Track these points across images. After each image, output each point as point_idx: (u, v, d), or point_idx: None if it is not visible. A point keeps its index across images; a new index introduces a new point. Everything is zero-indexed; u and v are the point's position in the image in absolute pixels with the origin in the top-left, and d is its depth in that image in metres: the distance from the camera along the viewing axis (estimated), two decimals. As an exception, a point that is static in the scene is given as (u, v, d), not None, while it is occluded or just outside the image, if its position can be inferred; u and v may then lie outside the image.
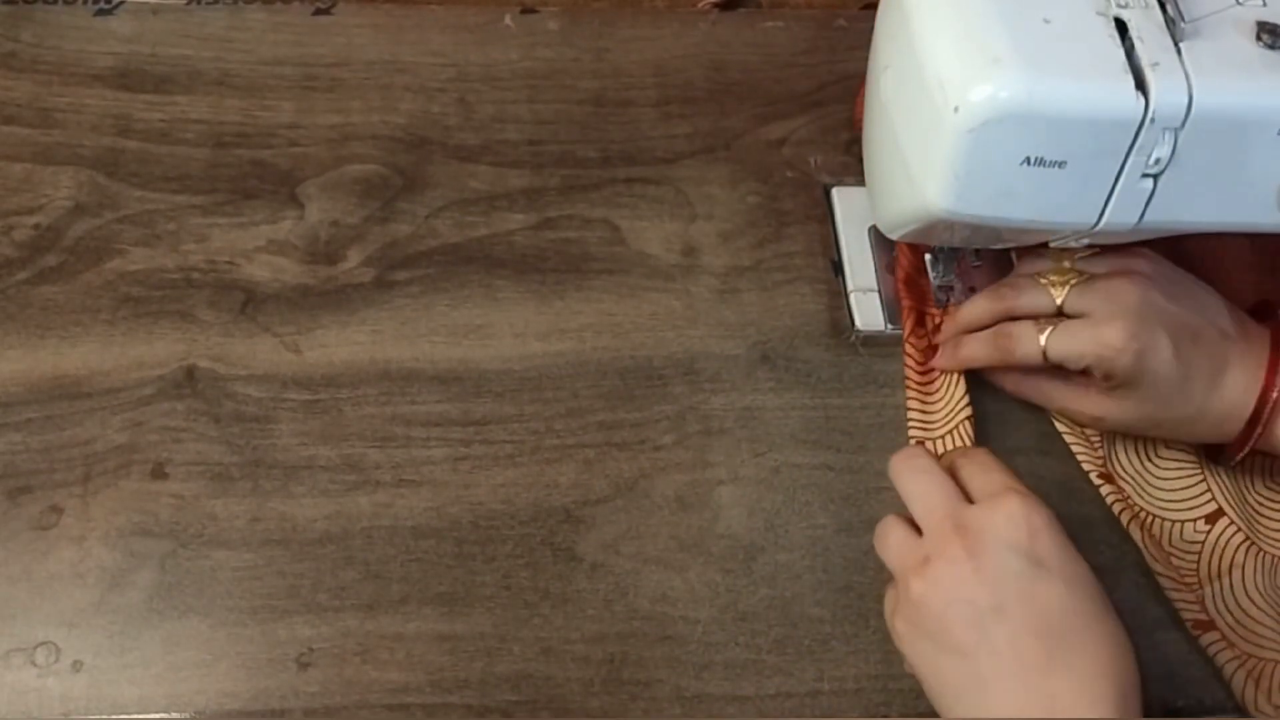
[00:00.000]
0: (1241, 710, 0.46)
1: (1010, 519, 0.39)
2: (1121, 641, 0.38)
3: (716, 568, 0.48)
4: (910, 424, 0.51)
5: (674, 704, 0.45)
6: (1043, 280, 0.48)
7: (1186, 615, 0.47)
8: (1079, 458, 0.51)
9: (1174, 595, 0.48)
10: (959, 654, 0.38)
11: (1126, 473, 0.51)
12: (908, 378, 0.52)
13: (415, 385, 0.51)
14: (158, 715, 0.43)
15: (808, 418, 0.52)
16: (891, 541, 0.42)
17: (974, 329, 0.51)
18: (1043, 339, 0.47)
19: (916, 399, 0.52)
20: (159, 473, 0.48)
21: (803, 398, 0.52)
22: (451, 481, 0.49)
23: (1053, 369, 0.48)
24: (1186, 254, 0.51)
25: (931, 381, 0.53)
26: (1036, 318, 0.48)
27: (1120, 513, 0.49)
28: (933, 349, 0.53)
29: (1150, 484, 0.50)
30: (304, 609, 0.46)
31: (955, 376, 0.52)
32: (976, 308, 0.51)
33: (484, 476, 0.49)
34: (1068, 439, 0.51)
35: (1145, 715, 0.44)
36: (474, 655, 0.45)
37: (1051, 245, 0.48)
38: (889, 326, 0.54)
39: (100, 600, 0.45)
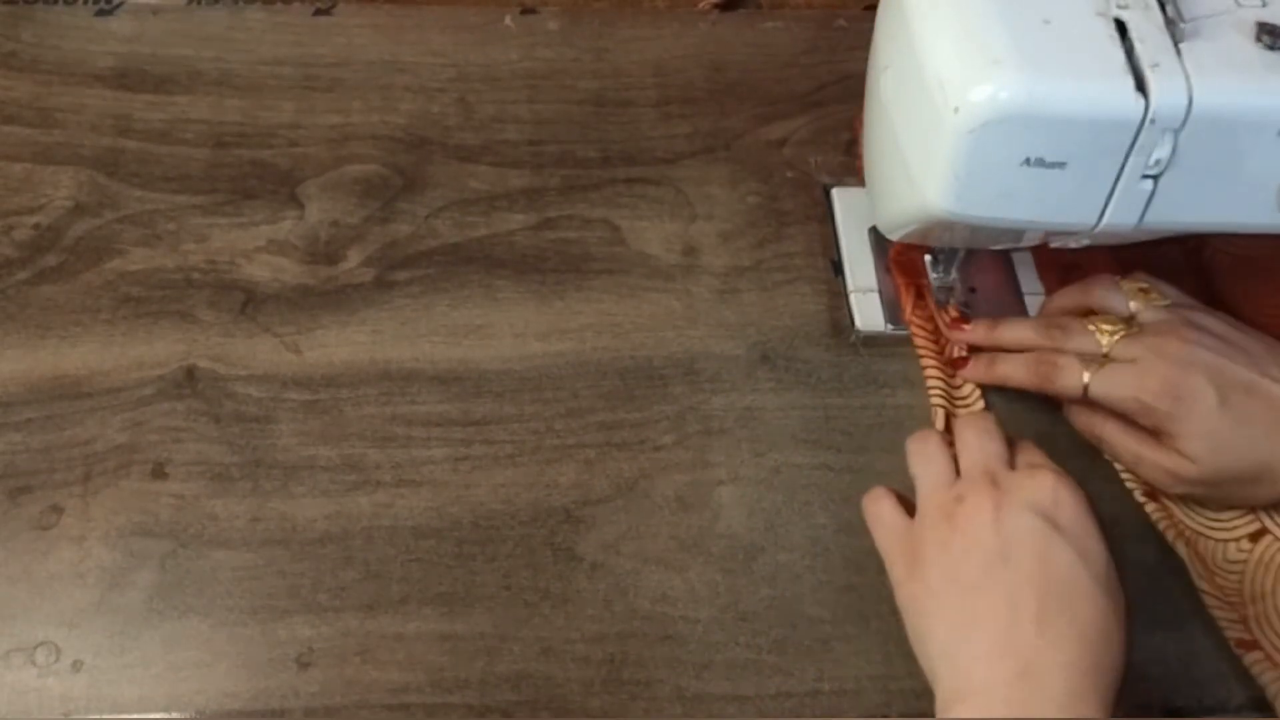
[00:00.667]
0: None
1: (1040, 486, 0.42)
2: (1114, 624, 0.40)
3: (717, 568, 0.48)
4: (933, 392, 0.52)
5: (674, 704, 0.45)
6: (1091, 327, 0.49)
7: (1230, 634, 0.47)
8: (1122, 476, 0.51)
9: (1218, 614, 0.47)
10: (960, 585, 0.41)
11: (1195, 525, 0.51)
12: (921, 351, 0.53)
13: (415, 385, 0.51)
14: (158, 715, 0.43)
15: (808, 418, 0.52)
16: (932, 469, 0.45)
17: (1009, 350, 0.51)
18: (1086, 376, 0.47)
19: (936, 370, 0.52)
20: (159, 473, 0.48)
21: (803, 398, 0.52)
22: (452, 481, 0.49)
23: (1124, 420, 0.48)
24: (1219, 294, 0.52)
25: (948, 356, 0.53)
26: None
27: (1165, 529, 0.49)
28: (940, 341, 0.53)
29: (1194, 502, 0.50)
30: (304, 609, 0.46)
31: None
32: (1020, 333, 0.51)
33: (484, 476, 0.49)
34: (1123, 476, 0.51)
35: (1145, 715, 0.44)
36: (474, 655, 0.45)
37: (1052, 245, 0.48)
38: (889, 326, 0.54)
39: (100, 600, 0.45)
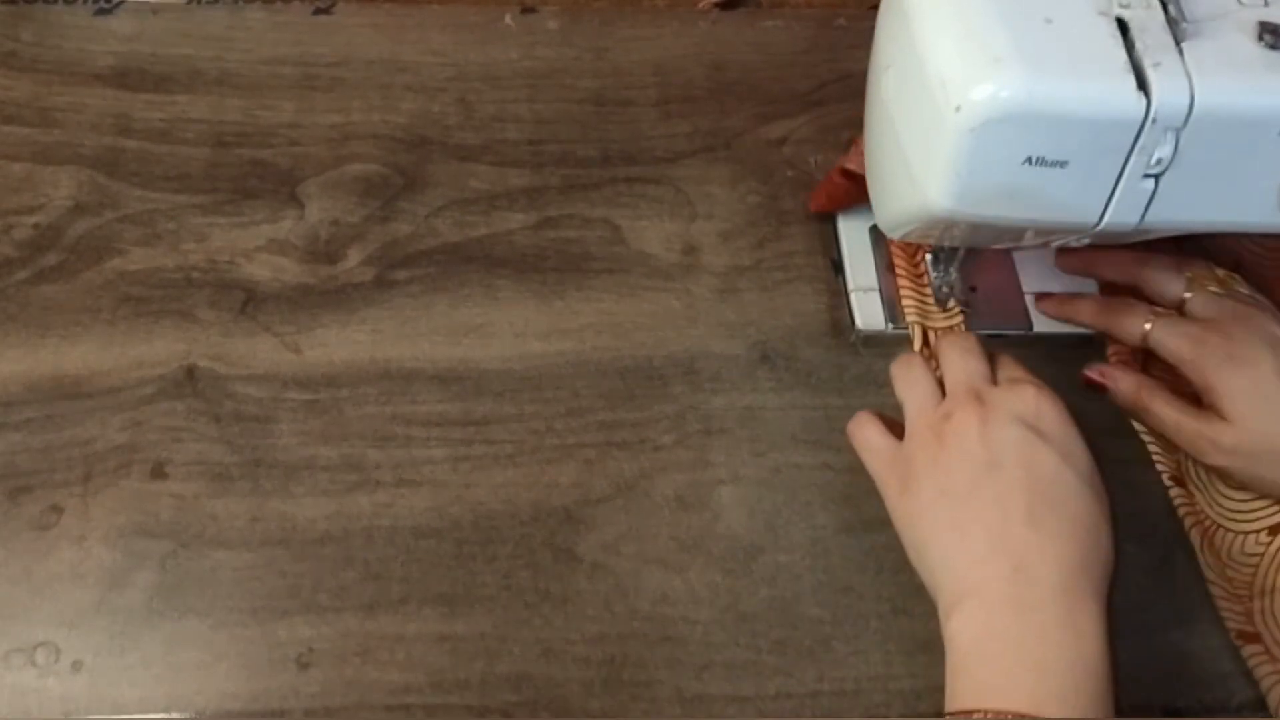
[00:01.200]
0: None
1: (1022, 398, 0.44)
2: (1101, 520, 0.42)
3: (717, 568, 0.48)
4: (907, 308, 0.53)
5: (674, 704, 0.45)
6: (1189, 273, 0.50)
7: (1231, 625, 0.47)
8: (1154, 458, 0.51)
9: (1222, 604, 0.48)
10: (951, 496, 0.43)
11: (1199, 479, 0.51)
12: (899, 271, 0.54)
13: (415, 385, 0.51)
14: (158, 715, 0.43)
15: (808, 418, 0.52)
16: (918, 391, 0.47)
17: (1100, 278, 0.54)
18: (1148, 325, 0.49)
19: (911, 288, 0.53)
20: (159, 472, 0.48)
21: (803, 397, 0.52)
22: (452, 481, 0.49)
23: (1170, 391, 0.49)
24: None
25: (922, 275, 0.54)
26: (1154, 304, 0.50)
27: (1184, 516, 0.49)
28: (915, 259, 0.54)
29: (1222, 491, 0.50)
30: (304, 609, 0.46)
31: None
32: (1111, 262, 0.52)
33: (484, 476, 0.49)
34: (1144, 435, 0.52)
35: (1145, 715, 0.45)
36: (474, 656, 0.45)
37: (1053, 245, 0.48)
38: (889, 326, 0.54)
39: (100, 600, 0.45)
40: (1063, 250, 0.54)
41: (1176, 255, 0.52)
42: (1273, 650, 0.46)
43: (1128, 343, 0.51)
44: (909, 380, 0.48)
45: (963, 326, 0.53)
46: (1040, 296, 0.55)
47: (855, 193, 0.56)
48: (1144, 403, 0.49)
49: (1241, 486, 0.48)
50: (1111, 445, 0.47)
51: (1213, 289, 0.49)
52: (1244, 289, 0.50)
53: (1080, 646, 0.39)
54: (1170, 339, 0.48)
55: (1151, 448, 0.51)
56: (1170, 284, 0.50)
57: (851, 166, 0.55)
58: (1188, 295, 0.49)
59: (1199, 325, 0.48)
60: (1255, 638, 0.47)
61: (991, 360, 0.47)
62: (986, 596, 0.41)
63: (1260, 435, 0.46)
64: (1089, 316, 0.52)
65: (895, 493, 0.45)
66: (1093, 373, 0.51)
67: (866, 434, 0.47)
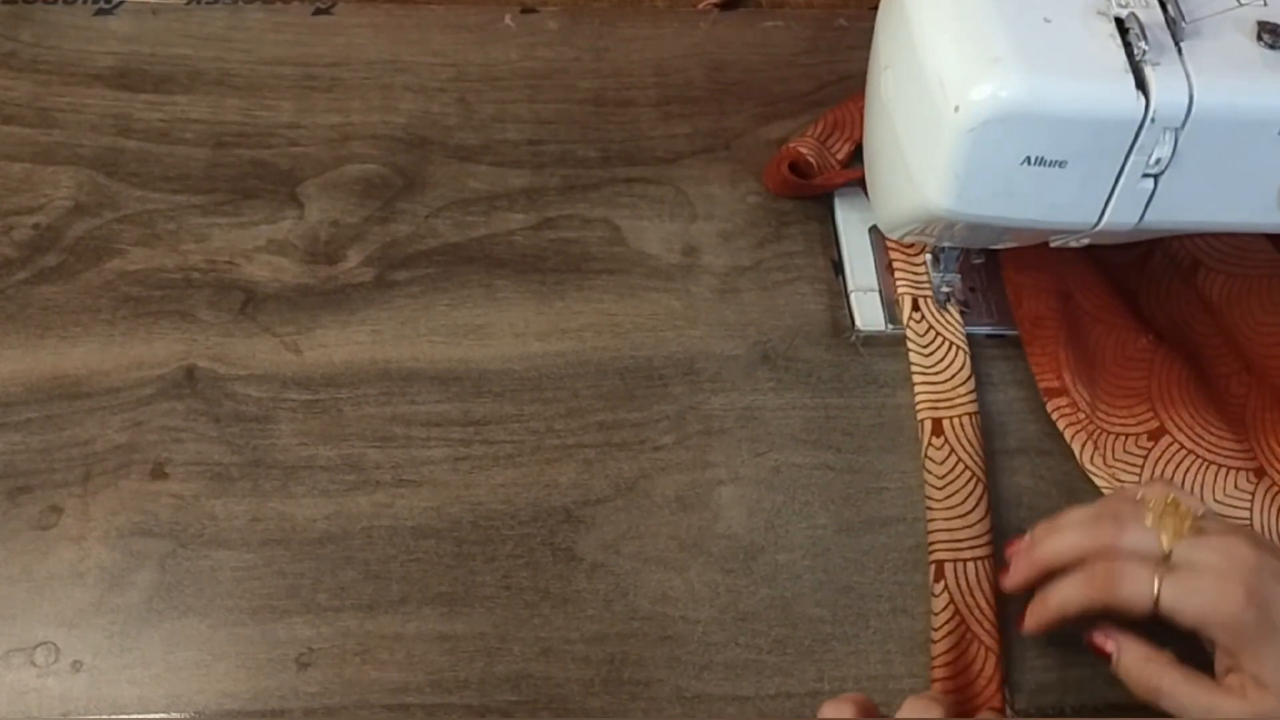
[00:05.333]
0: None
1: None
2: None
3: (717, 568, 0.48)
4: (920, 397, 0.52)
5: (674, 704, 0.45)
6: (1149, 523, 0.42)
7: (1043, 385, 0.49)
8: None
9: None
10: None
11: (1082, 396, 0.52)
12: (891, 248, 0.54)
13: (415, 385, 0.51)
14: (157, 715, 0.43)
15: (808, 418, 0.52)
16: None
17: (1057, 568, 0.44)
18: (1156, 585, 0.41)
19: (904, 265, 0.54)
20: (159, 473, 0.48)
21: (803, 398, 0.52)
22: (451, 481, 0.49)
23: (1185, 669, 0.42)
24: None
25: (935, 353, 0.53)
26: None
27: (1065, 428, 0.51)
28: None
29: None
30: (304, 609, 0.46)
31: (960, 356, 0.52)
32: (1064, 542, 0.44)
33: (484, 476, 0.49)
34: (1098, 482, 0.50)
35: (1145, 715, 0.44)
36: (474, 655, 0.45)
37: (1052, 244, 0.48)
38: (889, 326, 0.54)
39: (100, 600, 0.45)
40: (1011, 551, 0.47)
41: (1126, 502, 0.44)
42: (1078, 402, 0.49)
43: (1133, 611, 0.42)
44: None
45: (961, 332, 0.53)
46: (1020, 614, 0.46)
47: (801, 187, 0.56)
48: (1154, 682, 0.42)
49: None
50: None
51: (1185, 528, 0.42)
52: (1196, 507, 0.43)
53: None
54: (1190, 600, 0.40)
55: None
56: (1146, 539, 0.42)
57: (803, 151, 0.56)
58: (1168, 546, 0.42)
59: (1211, 575, 0.41)
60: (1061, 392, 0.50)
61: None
62: None
63: None
64: (1081, 593, 0.43)
65: None
66: (1099, 637, 0.44)
67: None
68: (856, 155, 0.58)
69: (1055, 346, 0.53)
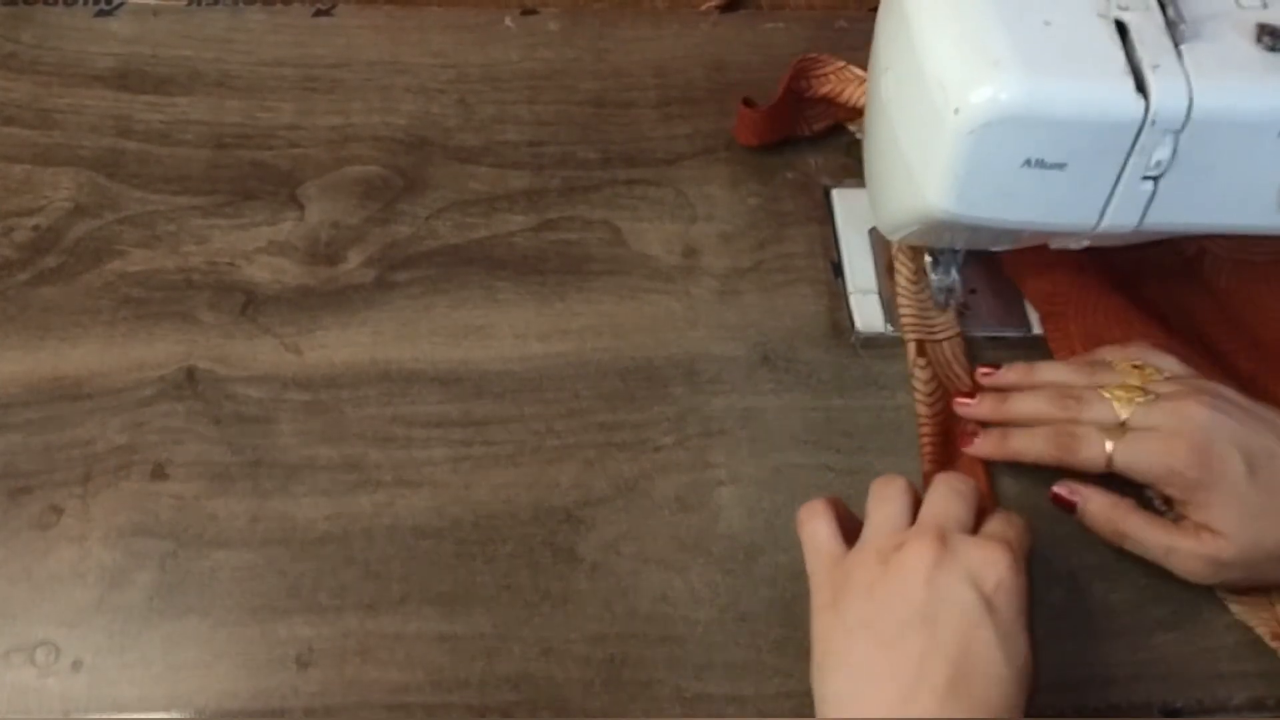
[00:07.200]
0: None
1: (988, 559, 0.40)
2: (1015, 712, 0.38)
3: (717, 568, 0.48)
4: (904, 315, 0.53)
5: (674, 704, 0.45)
6: (1107, 394, 0.47)
7: (1262, 630, 0.47)
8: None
9: (1244, 618, 0.47)
10: (875, 633, 0.39)
11: None
12: (898, 273, 0.54)
13: (416, 386, 0.51)
14: (158, 715, 0.43)
15: (808, 419, 0.52)
16: (886, 509, 0.43)
17: (1021, 424, 0.49)
18: (1109, 445, 0.45)
19: (909, 297, 0.53)
20: (159, 473, 0.48)
21: (803, 399, 0.52)
22: (452, 482, 0.49)
23: (1146, 513, 0.47)
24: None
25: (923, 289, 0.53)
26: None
27: None
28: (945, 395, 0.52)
29: (1228, 592, 0.49)
30: (304, 609, 0.46)
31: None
32: (1032, 405, 0.48)
33: (484, 477, 0.49)
34: None
35: (1145, 715, 0.44)
36: (474, 655, 0.45)
37: (1052, 246, 0.48)
38: (889, 328, 0.54)
39: (100, 600, 0.45)
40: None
41: (1080, 364, 0.49)
42: None
43: (1090, 470, 0.47)
44: (882, 497, 0.44)
45: (960, 338, 0.53)
46: (964, 438, 0.50)
47: (760, 118, 0.57)
48: (1119, 526, 0.47)
49: (1240, 592, 0.47)
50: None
51: (1139, 393, 0.46)
52: (1163, 367, 0.48)
53: None
54: (1139, 458, 0.45)
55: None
56: (1103, 410, 0.46)
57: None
58: (1124, 415, 0.46)
59: (1159, 434, 0.45)
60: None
61: (985, 511, 0.43)
62: None
63: (1252, 543, 0.44)
64: (1039, 449, 0.48)
65: (823, 602, 0.42)
66: (1062, 489, 0.48)
67: (816, 528, 0.44)
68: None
69: (1066, 322, 0.53)
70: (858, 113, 0.58)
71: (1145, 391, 0.46)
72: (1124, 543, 0.47)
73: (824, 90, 0.58)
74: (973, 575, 0.39)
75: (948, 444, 0.51)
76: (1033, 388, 0.49)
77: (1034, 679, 0.39)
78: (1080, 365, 0.50)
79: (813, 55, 0.58)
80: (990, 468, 0.50)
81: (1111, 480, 0.47)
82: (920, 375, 0.52)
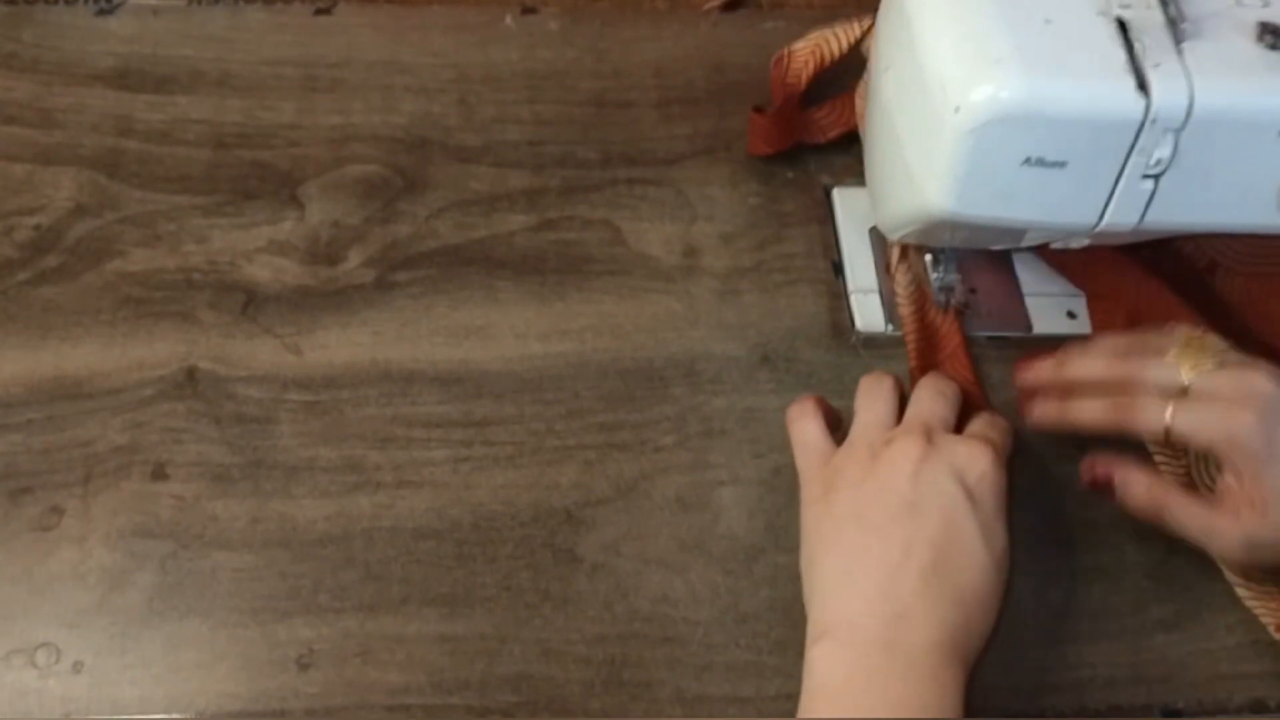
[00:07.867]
0: None
1: (971, 455, 0.43)
2: (994, 600, 0.42)
3: (717, 569, 0.48)
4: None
5: (674, 705, 0.45)
6: (1171, 359, 0.45)
7: (1267, 620, 0.47)
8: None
9: (1253, 605, 0.47)
10: (863, 522, 0.43)
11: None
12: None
13: (416, 386, 0.51)
14: (158, 716, 0.43)
15: (808, 419, 0.52)
16: (875, 408, 0.46)
17: (1079, 384, 0.48)
18: (1168, 414, 0.44)
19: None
20: (159, 474, 0.48)
21: (803, 399, 0.52)
22: (452, 482, 0.49)
23: (1188, 491, 0.46)
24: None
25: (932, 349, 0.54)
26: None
27: None
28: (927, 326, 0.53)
29: (1258, 573, 0.48)
30: (304, 610, 0.46)
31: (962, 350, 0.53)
32: (1092, 365, 0.48)
33: (485, 477, 0.49)
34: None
35: (1145, 715, 0.45)
36: (474, 656, 0.45)
37: (1053, 246, 0.48)
38: (889, 328, 0.54)
39: (101, 601, 0.45)
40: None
41: (1154, 336, 0.47)
42: None
43: (1148, 438, 0.47)
44: (871, 395, 0.47)
45: (958, 327, 0.53)
46: (1028, 399, 0.50)
47: (768, 123, 0.57)
48: (1161, 501, 0.46)
49: (1255, 579, 0.47)
50: (1114, 440, 0.47)
51: (1206, 362, 0.45)
52: (1221, 344, 0.46)
53: (942, 704, 0.39)
54: (1201, 426, 0.43)
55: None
56: (1166, 373, 0.45)
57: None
58: (1188, 380, 0.44)
59: (1222, 403, 0.43)
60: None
61: (969, 411, 0.46)
62: (862, 633, 0.41)
63: None
64: (1097, 417, 0.47)
65: (813, 497, 0.45)
66: (1099, 468, 0.47)
67: (806, 426, 0.47)
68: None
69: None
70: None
71: (1210, 357, 0.45)
72: (1163, 519, 0.46)
73: (811, 69, 0.58)
74: (956, 469, 0.43)
75: (930, 342, 0.53)
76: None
77: (1009, 571, 0.43)
78: (1138, 336, 0.48)
79: (779, 53, 0.59)
80: (977, 366, 0.52)
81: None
82: (901, 280, 0.54)
